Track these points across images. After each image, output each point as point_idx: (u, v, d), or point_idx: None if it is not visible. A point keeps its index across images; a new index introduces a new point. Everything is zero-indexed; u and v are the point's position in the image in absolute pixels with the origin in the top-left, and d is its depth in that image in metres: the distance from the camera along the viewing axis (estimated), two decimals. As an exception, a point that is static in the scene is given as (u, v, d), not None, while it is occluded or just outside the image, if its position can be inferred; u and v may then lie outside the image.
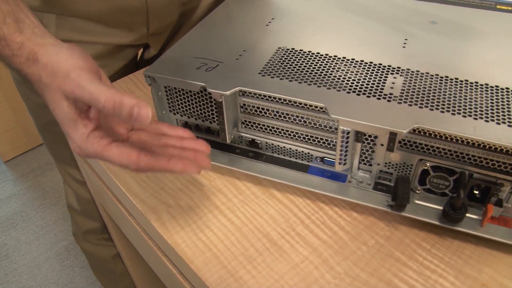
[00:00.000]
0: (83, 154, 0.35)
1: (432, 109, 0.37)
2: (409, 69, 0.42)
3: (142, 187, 0.45)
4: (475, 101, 0.38)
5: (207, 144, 0.38)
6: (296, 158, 0.45)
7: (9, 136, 1.66)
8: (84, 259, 1.32)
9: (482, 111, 0.37)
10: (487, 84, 0.40)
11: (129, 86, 0.60)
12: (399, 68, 0.42)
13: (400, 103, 0.38)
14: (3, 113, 1.59)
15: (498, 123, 0.36)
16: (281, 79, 0.41)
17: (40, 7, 0.54)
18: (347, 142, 0.38)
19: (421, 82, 0.41)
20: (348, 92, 0.39)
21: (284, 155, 0.45)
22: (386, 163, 0.40)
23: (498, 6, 0.55)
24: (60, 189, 1.59)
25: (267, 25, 0.51)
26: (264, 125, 0.44)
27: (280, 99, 0.41)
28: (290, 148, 0.44)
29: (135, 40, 0.62)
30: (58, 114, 0.34)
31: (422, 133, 0.37)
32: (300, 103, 0.40)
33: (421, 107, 0.37)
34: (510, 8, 0.54)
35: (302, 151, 0.44)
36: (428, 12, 0.53)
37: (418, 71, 0.42)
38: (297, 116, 0.41)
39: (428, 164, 0.38)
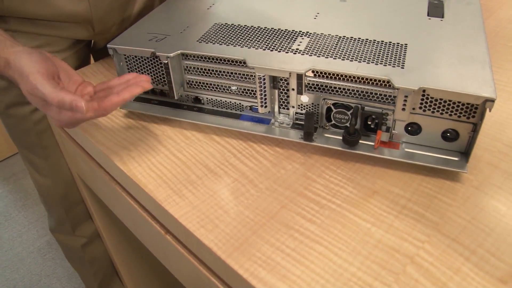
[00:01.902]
0: (62, 125, 0.47)
1: (327, 57, 0.48)
2: (315, 33, 0.53)
3: (108, 138, 0.55)
4: (362, 51, 0.49)
5: (147, 76, 0.49)
6: (231, 109, 0.55)
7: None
8: (65, 251, 1.40)
9: (365, 57, 0.48)
10: (372, 40, 0.51)
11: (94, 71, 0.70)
12: (308, 32, 0.53)
13: (303, 55, 0.49)
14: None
15: (376, 64, 0.46)
16: (213, 43, 0.52)
17: None
18: (264, 87, 0.49)
19: (322, 41, 0.51)
20: (264, 50, 0.50)
21: (221, 108, 0.55)
22: (299, 105, 0.51)
23: (401, -13, 0.66)
24: (41, 190, 1.66)
25: (208, 8, 0.62)
26: (204, 83, 0.54)
27: (212, 58, 0.51)
28: (226, 101, 0.54)
29: (82, 38, 0.70)
30: (33, 103, 0.47)
31: (320, 75, 0.47)
32: (227, 60, 0.50)
33: (319, 57, 0.48)
34: (410, -12, 0.65)
35: (235, 102, 0.54)
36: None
37: (322, 33, 0.53)
38: (228, 72, 0.52)
39: (330, 102, 0.49)
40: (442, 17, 0.57)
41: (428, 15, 0.58)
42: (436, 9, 0.60)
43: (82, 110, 0.43)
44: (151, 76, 0.55)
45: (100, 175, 0.58)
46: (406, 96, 0.44)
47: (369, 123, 0.49)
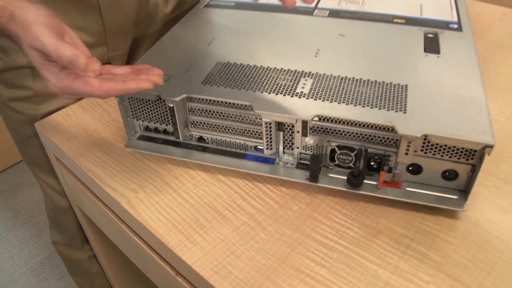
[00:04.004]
0: (57, 90, 0.45)
1: (331, 102, 0.49)
2: (317, 73, 0.54)
3: (114, 180, 0.56)
4: (365, 94, 0.51)
5: (160, 70, 0.48)
6: (235, 149, 0.56)
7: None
8: (60, 271, 1.40)
9: (369, 101, 0.49)
10: (373, 80, 0.53)
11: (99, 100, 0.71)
12: (310, 72, 0.55)
13: (308, 98, 0.50)
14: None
15: (379, 109, 0.48)
16: (218, 86, 0.53)
17: None
18: (270, 131, 0.50)
19: (325, 82, 0.53)
20: (269, 93, 0.51)
21: (226, 147, 0.56)
22: (303, 147, 0.52)
23: (394, 20, 0.68)
24: (31, 208, 1.65)
25: (208, 44, 0.63)
26: (208, 124, 0.55)
27: (218, 101, 0.52)
28: (230, 141, 0.55)
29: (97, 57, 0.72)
30: (32, 61, 0.45)
31: (325, 120, 0.49)
32: (233, 104, 0.51)
33: (323, 101, 0.49)
34: (403, 21, 0.67)
35: (240, 143, 0.55)
36: (338, 26, 0.66)
37: (324, 74, 0.54)
38: (233, 115, 0.53)
39: (334, 144, 0.50)
40: (439, 53, 0.59)
41: (425, 51, 0.60)
42: (432, 44, 0.62)
43: (79, 65, 0.41)
44: (156, 115, 0.56)
45: (106, 214, 0.59)
46: (409, 142, 0.46)
47: (372, 163, 0.51)
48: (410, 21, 0.68)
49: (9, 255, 1.45)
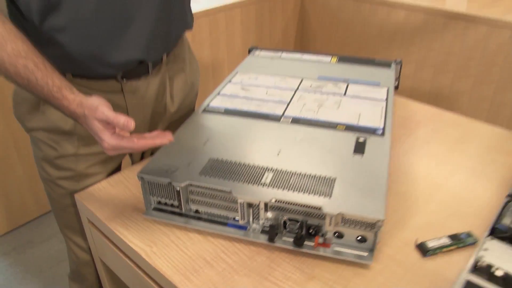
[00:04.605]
0: (110, 147, 0.74)
1: (283, 190, 0.76)
2: (277, 169, 0.81)
3: (135, 237, 0.80)
4: (307, 184, 0.77)
5: (170, 133, 0.78)
6: (220, 219, 0.81)
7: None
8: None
9: (309, 189, 0.76)
10: (314, 174, 0.79)
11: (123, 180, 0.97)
12: (272, 167, 0.81)
13: (268, 188, 0.76)
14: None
15: (314, 195, 0.74)
16: (210, 177, 0.79)
17: None
18: (243, 208, 0.76)
19: (282, 175, 0.79)
20: (243, 183, 0.77)
21: (214, 217, 0.82)
22: (265, 219, 0.78)
23: (337, 127, 0.96)
24: (40, 264, 1.86)
25: (204, 144, 0.90)
26: (202, 201, 0.81)
27: (209, 187, 0.78)
28: (217, 213, 0.81)
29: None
30: (94, 130, 0.74)
31: (279, 202, 0.75)
32: (219, 189, 0.77)
33: (279, 189, 0.76)
34: (343, 127, 0.95)
35: (223, 215, 0.81)
36: (297, 131, 0.93)
37: (281, 169, 0.81)
38: (219, 196, 0.79)
39: (285, 217, 0.76)
40: (363, 153, 0.86)
41: (354, 152, 0.87)
42: (359, 147, 0.89)
43: (130, 127, 0.71)
44: (166, 194, 0.82)
45: (127, 264, 0.83)
46: (331, 217, 0.72)
47: (310, 231, 0.76)
48: (349, 128, 0.95)
49: (21, 305, 1.65)
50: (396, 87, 1.32)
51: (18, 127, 1.80)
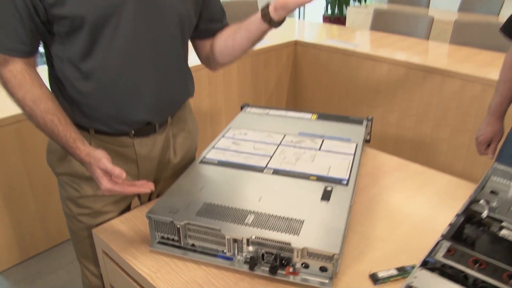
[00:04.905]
0: (106, 190, 0.96)
1: (261, 229, 0.96)
2: (258, 211, 1.01)
3: (143, 265, 1.00)
4: (281, 224, 0.97)
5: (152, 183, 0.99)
6: (211, 251, 1.01)
7: (5, 248, 2.12)
8: None
9: (283, 228, 0.96)
10: (287, 216, 0.99)
11: (133, 219, 1.17)
12: (254, 211, 1.02)
13: (250, 227, 0.96)
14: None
15: (286, 233, 0.94)
16: (204, 217, 0.99)
17: None
18: (230, 243, 0.96)
19: (261, 218, 0.99)
20: (231, 223, 0.98)
21: (207, 250, 1.01)
22: (248, 251, 0.97)
23: (310, 177, 1.16)
24: (49, 292, 2.03)
25: (200, 190, 1.10)
26: (198, 237, 1.01)
27: (203, 226, 0.98)
28: (209, 247, 1.01)
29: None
30: (95, 175, 0.97)
31: (259, 238, 0.95)
32: (211, 227, 0.97)
33: (258, 228, 0.96)
34: (315, 178, 1.16)
35: (214, 248, 1.00)
36: (276, 181, 1.14)
37: (261, 212, 1.01)
38: (211, 233, 0.99)
39: (263, 251, 0.96)
40: (329, 200, 1.07)
41: (321, 199, 1.07)
42: (326, 194, 1.09)
43: (122, 177, 0.93)
44: (169, 231, 1.02)
45: (134, 287, 1.02)
46: (298, 251, 0.92)
47: (283, 262, 0.96)
48: (319, 178, 1.16)
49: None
50: (368, 141, 1.54)
51: (34, 167, 2.02)
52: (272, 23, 1.05)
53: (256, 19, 1.08)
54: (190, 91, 1.26)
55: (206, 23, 1.22)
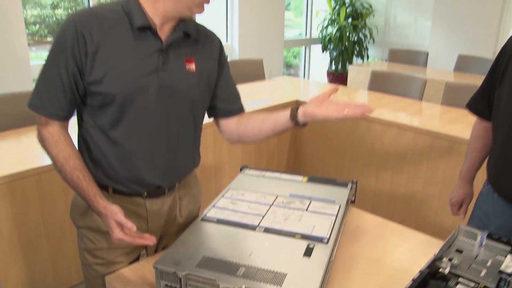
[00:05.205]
0: (117, 239, 1.15)
1: (251, 280, 1.13)
2: (248, 265, 1.19)
3: (148, 310, 1.17)
4: (265, 276, 1.14)
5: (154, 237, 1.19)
6: (208, 298, 1.18)
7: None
8: None
9: (266, 280, 1.13)
10: (273, 270, 1.17)
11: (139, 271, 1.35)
12: (245, 264, 1.19)
13: (242, 278, 1.14)
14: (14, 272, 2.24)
15: (271, 284, 1.12)
16: (202, 268, 1.17)
17: None
18: (223, 291, 1.13)
19: (251, 270, 1.17)
20: (224, 274, 1.15)
21: (204, 297, 1.19)
22: (238, 299, 1.14)
23: (296, 236, 1.34)
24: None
25: (200, 245, 1.28)
26: (197, 286, 1.18)
27: (201, 276, 1.16)
28: (206, 294, 1.18)
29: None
30: (109, 226, 1.16)
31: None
32: (208, 278, 1.15)
33: (248, 279, 1.13)
34: (300, 236, 1.34)
35: (210, 296, 1.18)
36: (266, 239, 1.32)
37: (251, 265, 1.19)
38: (207, 282, 1.16)
39: (251, 299, 1.13)
40: (310, 256, 1.24)
41: (303, 255, 1.25)
42: (308, 251, 1.27)
43: (133, 230, 1.12)
44: (172, 280, 1.19)
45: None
46: (280, 300, 1.09)
47: (268, 309, 1.13)
48: (304, 237, 1.34)
49: None
50: (353, 201, 1.72)
51: (50, 217, 2.21)
52: (298, 125, 1.28)
53: (284, 117, 1.32)
54: (197, 162, 1.47)
55: (224, 103, 1.46)
